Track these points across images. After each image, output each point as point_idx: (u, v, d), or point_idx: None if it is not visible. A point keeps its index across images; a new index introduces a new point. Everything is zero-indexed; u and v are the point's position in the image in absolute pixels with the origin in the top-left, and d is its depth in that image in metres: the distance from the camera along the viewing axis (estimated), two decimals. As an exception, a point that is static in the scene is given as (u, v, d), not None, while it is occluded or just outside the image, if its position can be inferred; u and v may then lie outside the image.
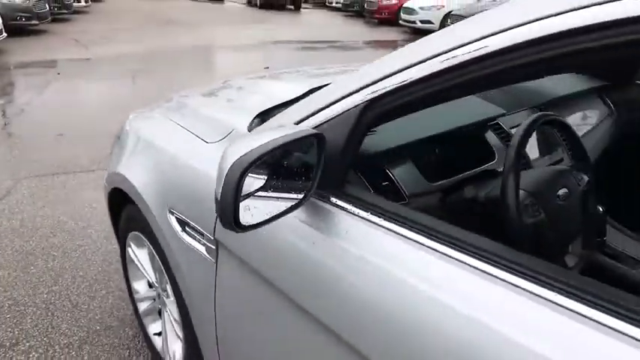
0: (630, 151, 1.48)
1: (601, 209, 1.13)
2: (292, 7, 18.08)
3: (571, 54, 0.56)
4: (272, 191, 0.73)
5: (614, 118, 1.64)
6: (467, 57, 0.64)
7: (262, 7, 17.48)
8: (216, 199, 0.66)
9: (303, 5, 18.93)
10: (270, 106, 1.22)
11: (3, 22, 7.37)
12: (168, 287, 1.41)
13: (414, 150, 1.07)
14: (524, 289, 0.56)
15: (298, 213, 0.82)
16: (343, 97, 0.80)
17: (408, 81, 0.71)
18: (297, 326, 0.84)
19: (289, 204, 0.74)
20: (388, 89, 0.74)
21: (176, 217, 1.16)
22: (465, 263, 0.61)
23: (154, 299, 1.63)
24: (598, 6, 0.52)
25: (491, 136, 1.26)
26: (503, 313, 0.57)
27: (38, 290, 2.03)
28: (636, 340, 0.46)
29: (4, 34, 7.37)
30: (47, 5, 9.73)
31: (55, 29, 9.89)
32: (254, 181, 0.71)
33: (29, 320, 1.85)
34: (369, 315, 0.69)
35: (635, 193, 1.34)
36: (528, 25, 0.58)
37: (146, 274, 1.59)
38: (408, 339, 0.64)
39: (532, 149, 1.32)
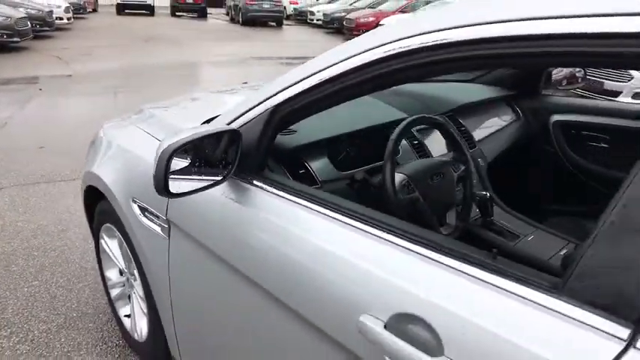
0: (527, 150, 1.77)
1: (487, 194, 1.41)
2: (274, 23, 18.50)
3: (429, 64, 0.77)
4: (197, 171, 0.98)
5: (520, 122, 1.93)
6: (342, 69, 0.88)
7: (245, 23, 17.85)
8: (153, 175, 0.91)
9: (285, 22, 19.37)
10: (218, 114, 1.47)
11: (-15, 40, 7.53)
12: (135, 271, 1.63)
13: (329, 146, 1.33)
14: (398, 245, 0.75)
15: (227, 191, 1.07)
16: (259, 103, 1.06)
17: (302, 89, 0.97)
18: (230, 282, 1.07)
19: (211, 182, 0.99)
20: (288, 96, 0.99)
21: (138, 205, 1.39)
22: (359, 228, 0.82)
23: (124, 284, 1.85)
24: (458, 28, 0.74)
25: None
26: (384, 265, 0.77)
27: (19, 285, 2.22)
28: (488, 283, 0.66)
29: (-13, 52, 7.53)
30: (29, 23, 9.90)
31: (36, 46, 10.06)
32: (181, 163, 0.96)
33: (10, 310, 2.04)
34: (275, 262, 0.93)
35: (523, 183, 1.61)
36: (408, 39, 0.80)
37: (117, 263, 1.81)
38: (309, 282, 0.86)
39: (439, 145, 1.59)
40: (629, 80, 5.68)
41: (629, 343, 0.52)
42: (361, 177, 1.22)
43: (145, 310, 1.62)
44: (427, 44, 0.76)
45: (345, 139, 1.36)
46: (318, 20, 18.31)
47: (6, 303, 2.09)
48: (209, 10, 22.12)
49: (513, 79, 2.07)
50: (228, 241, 1.05)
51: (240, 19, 18.18)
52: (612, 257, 0.55)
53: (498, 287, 0.64)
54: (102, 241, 1.86)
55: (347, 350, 0.78)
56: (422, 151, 1.52)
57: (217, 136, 0.98)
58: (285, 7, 20.09)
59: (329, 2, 21.34)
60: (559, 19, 0.63)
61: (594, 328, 0.55)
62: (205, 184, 0.98)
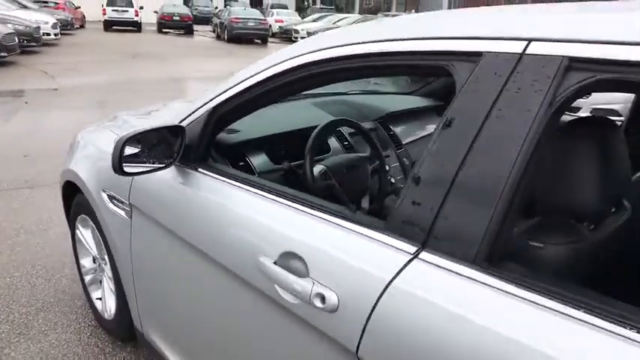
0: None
1: (394, 180, 1.69)
2: (260, 41, 18.94)
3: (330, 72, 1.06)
4: (147, 158, 1.24)
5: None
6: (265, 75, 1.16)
7: (230, 40, 18.23)
8: (111, 158, 1.17)
9: (270, 40, 19.84)
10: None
11: (-27, 54, 7.73)
12: (106, 256, 1.87)
13: (267, 143, 1.61)
14: (316, 216, 0.97)
15: (176, 176, 1.33)
16: (202, 105, 1.33)
17: (234, 93, 1.24)
18: (180, 252, 1.32)
19: (157, 167, 1.25)
20: (224, 99, 1.27)
21: (107, 194, 1.64)
22: (287, 205, 1.05)
23: (96, 270, 2.08)
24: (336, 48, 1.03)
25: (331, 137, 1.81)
26: (306, 231, 0.98)
27: (2, 276, 2.43)
28: (344, 227, 0.91)
29: (-26, 66, 7.72)
30: (16, 38, 10.12)
31: (23, 61, 10.27)
32: (134, 150, 1.22)
33: (-6, 297, 2.26)
34: (211, 230, 1.19)
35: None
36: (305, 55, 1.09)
37: (90, 250, 2.05)
38: (232, 238, 1.12)
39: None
40: (586, 97, 6.08)
41: (415, 256, 0.80)
42: (287, 167, 1.49)
43: (113, 288, 1.86)
44: (324, 58, 1.05)
45: (281, 138, 1.63)
46: (302, 38, 18.81)
47: (-11, 291, 2.30)
48: (196, 27, 22.52)
49: (445, 91, 2.37)
50: (176, 217, 1.31)
51: (226, 37, 18.57)
52: (412, 199, 0.83)
53: (349, 229, 0.91)
54: (77, 232, 2.09)
55: (252, 286, 1.04)
56: (352, 150, 1.80)
57: (163, 130, 1.25)
58: (270, 25, 20.58)
59: (314, 21, 21.94)
60: (395, 42, 0.92)
61: (393, 247, 0.82)
62: (152, 168, 1.24)
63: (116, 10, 20.66)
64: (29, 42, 11.52)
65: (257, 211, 1.10)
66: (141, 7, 21.42)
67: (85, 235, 2.04)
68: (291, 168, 1.49)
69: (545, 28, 0.79)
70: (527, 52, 0.76)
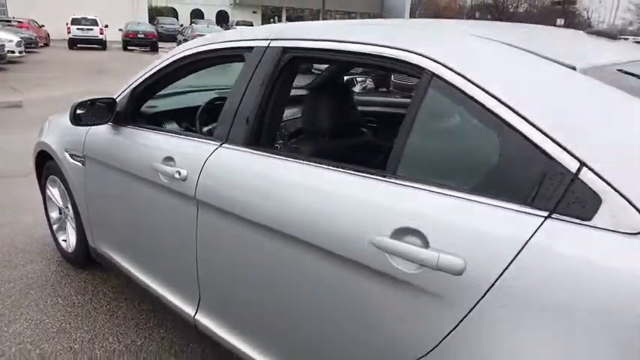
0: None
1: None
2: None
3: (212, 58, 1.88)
4: (92, 117, 2.02)
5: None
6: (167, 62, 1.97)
7: (194, 57, 18.97)
8: (69, 116, 1.95)
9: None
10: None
11: (-59, 71, 8.23)
12: (69, 204, 2.61)
13: (175, 114, 2.40)
14: (199, 140, 1.80)
15: (113, 130, 2.10)
16: (128, 86, 2.12)
17: (144, 78, 2.04)
18: (119, 180, 2.09)
19: (98, 122, 2.03)
20: (139, 82, 2.06)
21: (68, 153, 2.40)
22: (188, 139, 1.86)
23: (61, 219, 2.81)
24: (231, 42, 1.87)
25: None
26: (189, 150, 1.84)
27: (-14, 235, 3.12)
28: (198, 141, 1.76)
29: (-58, 81, 8.23)
30: (-18, 56, 10.63)
31: (-11, 77, 10.75)
32: (84, 112, 2.00)
33: (-19, 247, 2.94)
34: (133, 160, 1.97)
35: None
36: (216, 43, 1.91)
37: (57, 203, 2.78)
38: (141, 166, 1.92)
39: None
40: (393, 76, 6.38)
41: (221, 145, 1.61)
42: (185, 127, 2.30)
43: (74, 226, 2.59)
44: (193, 52, 1.86)
45: (185, 111, 2.44)
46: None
47: (-23, 244, 2.99)
48: (161, 44, 23.16)
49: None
50: (113, 156, 2.08)
51: (190, 53, 19.27)
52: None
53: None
54: (47, 191, 2.82)
55: (157, 185, 1.83)
56: None
57: (103, 100, 2.03)
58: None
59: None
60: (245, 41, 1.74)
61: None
62: (94, 123, 2.03)
63: (81, 29, 21.14)
64: (-6, 59, 11.98)
65: (150, 140, 1.89)
66: (106, 26, 21.96)
67: (53, 192, 2.77)
68: (189, 128, 2.30)
69: (280, 35, 1.61)
70: (270, 45, 1.59)
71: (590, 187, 0.90)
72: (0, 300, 2.41)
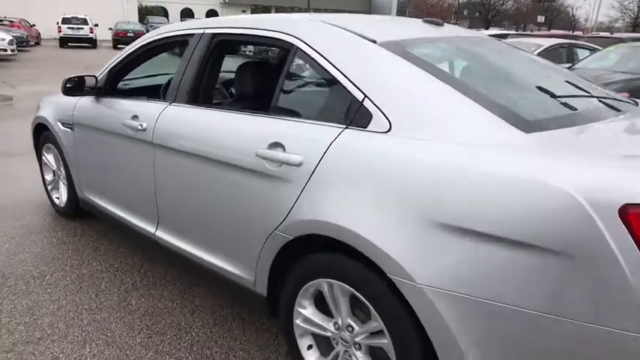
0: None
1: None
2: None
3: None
4: (79, 89, 2.64)
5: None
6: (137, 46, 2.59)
7: (182, 55, 19.50)
8: (61, 89, 2.57)
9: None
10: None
11: (-61, 67, 8.76)
12: (62, 167, 3.22)
13: (147, 90, 3.02)
14: (156, 102, 2.44)
15: (95, 100, 2.72)
16: (107, 66, 2.74)
17: (117, 61, 2.66)
18: (99, 138, 2.71)
19: (83, 94, 2.66)
20: (114, 63, 2.68)
21: (60, 122, 3.01)
22: (148, 102, 2.48)
23: (54, 180, 3.42)
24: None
25: None
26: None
27: (-9, 198, 3.72)
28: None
29: (-60, 76, 8.75)
30: (-24, 53, 11.13)
31: (-17, 74, 11.27)
32: (72, 86, 2.62)
33: (-12, 206, 3.54)
34: (109, 120, 2.59)
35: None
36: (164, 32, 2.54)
37: (51, 167, 3.38)
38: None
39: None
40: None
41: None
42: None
43: (66, 183, 3.21)
44: (155, 39, 2.49)
45: (153, 88, 3.06)
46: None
47: (-16, 204, 3.59)
48: (150, 43, 23.63)
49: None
50: (94, 119, 2.69)
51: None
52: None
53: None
54: (43, 157, 3.43)
55: (125, 137, 2.45)
56: None
57: (88, 77, 2.65)
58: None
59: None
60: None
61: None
62: (80, 94, 2.66)
63: (71, 28, 21.62)
64: (-12, 57, 12.47)
65: (122, 105, 2.51)
66: (96, 25, 22.43)
67: (48, 157, 3.38)
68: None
69: (210, 25, 2.23)
70: (204, 32, 2.21)
71: (367, 109, 1.54)
72: (7, 239, 3.02)
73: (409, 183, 1.37)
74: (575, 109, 1.67)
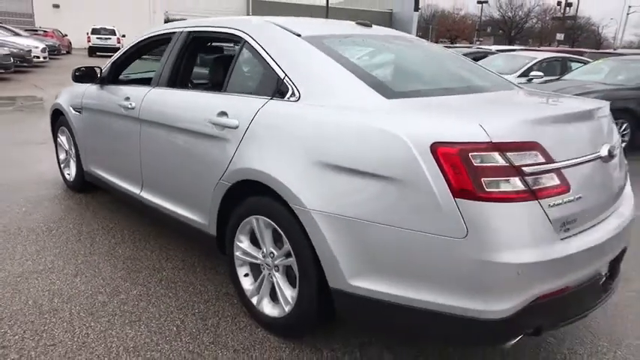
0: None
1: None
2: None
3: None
4: (86, 77, 3.21)
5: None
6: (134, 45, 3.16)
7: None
8: (71, 77, 3.14)
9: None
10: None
11: (-23, 69, 9.66)
12: (72, 146, 3.79)
13: (143, 81, 3.58)
14: (143, 87, 2.98)
15: (98, 88, 3.28)
16: (111, 61, 3.31)
17: (119, 55, 3.23)
18: (102, 119, 3.26)
19: (90, 83, 3.22)
20: (115, 58, 3.25)
21: (72, 107, 3.59)
22: (138, 87, 3.03)
23: (66, 158, 4.00)
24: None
25: None
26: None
27: (16, 173, 4.32)
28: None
29: (-22, 78, 9.64)
30: (11, 59, 12.08)
31: (17, 78, 12.21)
32: (80, 75, 3.20)
33: (15, 175, 4.14)
34: (111, 103, 3.14)
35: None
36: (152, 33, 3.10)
37: (64, 147, 3.97)
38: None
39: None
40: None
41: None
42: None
43: (75, 161, 3.77)
44: (150, 36, 3.06)
45: (148, 79, 3.61)
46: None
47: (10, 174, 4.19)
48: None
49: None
50: (100, 103, 3.25)
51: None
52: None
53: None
54: (58, 139, 4.02)
55: (118, 114, 2.99)
56: None
57: (94, 68, 3.22)
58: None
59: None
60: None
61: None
62: (87, 83, 3.23)
63: (100, 38, 22.85)
64: (22, 62, 13.48)
65: (120, 91, 3.06)
66: (123, 35, 23.63)
67: (62, 139, 3.97)
68: None
69: (187, 25, 2.77)
70: (183, 31, 2.75)
71: (286, 84, 2.03)
72: (25, 204, 3.59)
73: (305, 135, 1.85)
74: (441, 85, 2.15)
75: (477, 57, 11.27)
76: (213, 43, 3.50)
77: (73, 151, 3.79)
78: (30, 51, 14.30)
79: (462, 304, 1.54)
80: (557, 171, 1.60)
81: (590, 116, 1.85)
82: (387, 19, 49.72)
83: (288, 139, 1.90)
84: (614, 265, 1.99)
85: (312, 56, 2.05)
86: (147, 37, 3.07)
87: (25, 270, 2.63)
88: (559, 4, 37.66)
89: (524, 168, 1.53)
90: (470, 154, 1.51)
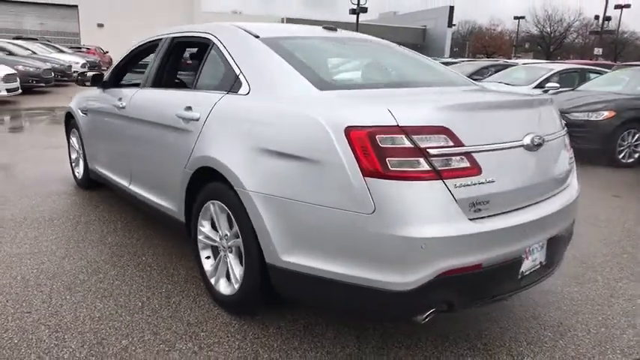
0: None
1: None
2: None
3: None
4: (90, 82, 3.53)
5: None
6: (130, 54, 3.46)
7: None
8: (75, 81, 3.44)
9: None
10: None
11: (20, 83, 10.43)
12: (81, 146, 4.12)
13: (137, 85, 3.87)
14: (133, 88, 3.28)
15: (101, 92, 3.60)
16: (112, 67, 3.62)
17: (118, 63, 3.53)
18: (103, 119, 3.56)
19: (94, 86, 3.54)
20: (116, 65, 3.56)
21: (80, 110, 3.93)
22: (129, 89, 3.33)
23: (77, 158, 4.33)
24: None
25: None
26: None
27: (31, 171, 4.70)
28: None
29: (20, 91, 10.42)
30: (52, 73, 12.93)
31: (57, 91, 13.06)
32: (84, 79, 3.51)
33: (32, 173, 4.51)
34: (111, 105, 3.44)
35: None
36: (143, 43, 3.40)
37: (75, 147, 4.31)
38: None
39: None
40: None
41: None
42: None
43: (83, 161, 4.10)
44: (142, 44, 3.35)
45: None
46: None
47: (26, 168, 4.57)
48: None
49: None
50: (101, 105, 3.56)
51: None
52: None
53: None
54: (70, 140, 4.37)
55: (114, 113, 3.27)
56: None
57: (98, 74, 3.54)
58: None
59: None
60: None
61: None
62: (91, 87, 3.55)
63: (138, 55, 23.95)
64: (62, 77, 14.38)
65: (116, 93, 3.35)
66: (160, 52, 24.70)
67: (73, 140, 4.31)
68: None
69: (171, 31, 3.02)
70: (168, 37, 3.01)
71: (240, 80, 2.23)
72: (34, 198, 3.92)
73: (249, 124, 2.04)
74: (378, 79, 2.33)
75: (499, 69, 11.28)
76: (193, 47, 3.80)
77: (82, 150, 4.11)
78: (70, 66, 15.24)
79: (372, 276, 1.66)
80: (468, 154, 1.71)
81: (514, 106, 1.95)
82: (420, 35, 49.84)
83: (236, 128, 2.09)
84: (553, 253, 2.04)
85: (264, 55, 2.25)
86: (142, 44, 3.36)
87: (22, 252, 2.91)
88: (597, 17, 36.68)
89: (429, 150, 1.65)
90: (377, 137, 1.65)
